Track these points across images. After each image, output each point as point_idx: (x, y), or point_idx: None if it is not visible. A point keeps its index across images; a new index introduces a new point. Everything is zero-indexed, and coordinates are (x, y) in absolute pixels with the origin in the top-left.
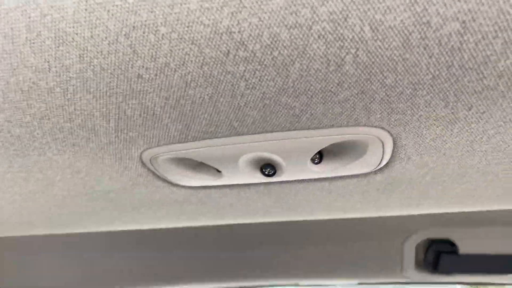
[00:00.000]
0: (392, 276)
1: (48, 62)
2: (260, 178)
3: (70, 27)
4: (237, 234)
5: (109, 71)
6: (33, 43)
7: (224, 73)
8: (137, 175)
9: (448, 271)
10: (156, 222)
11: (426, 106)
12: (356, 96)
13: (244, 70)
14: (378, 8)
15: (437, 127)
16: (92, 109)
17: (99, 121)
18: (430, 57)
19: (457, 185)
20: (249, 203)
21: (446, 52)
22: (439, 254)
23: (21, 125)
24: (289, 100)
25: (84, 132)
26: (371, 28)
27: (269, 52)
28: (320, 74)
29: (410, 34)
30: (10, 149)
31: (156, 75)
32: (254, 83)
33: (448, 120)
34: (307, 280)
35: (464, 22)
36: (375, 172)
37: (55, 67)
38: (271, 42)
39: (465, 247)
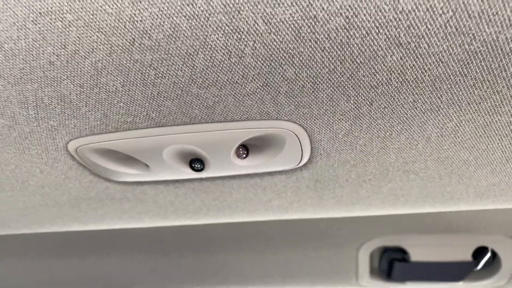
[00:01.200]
0: (348, 284)
1: None
2: (189, 173)
3: None
4: (180, 237)
5: (21, 56)
6: None
7: (132, 61)
8: (67, 168)
9: (401, 279)
10: (99, 222)
11: (329, 100)
12: (262, 89)
13: (152, 59)
14: (268, 1)
15: (346, 122)
16: (8, 96)
17: (18, 108)
18: (323, 51)
19: (384, 184)
20: (188, 201)
21: (337, 46)
22: (392, 262)
23: None
24: (200, 91)
25: (4, 120)
26: (263, 21)
27: (172, 42)
28: (224, 65)
29: (300, 28)
30: None
31: (67, 62)
32: (163, 72)
33: (354, 115)
34: None
35: (347, 17)
36: (300, 168)
37: None
38: (173, 32)
39: (416, 254)
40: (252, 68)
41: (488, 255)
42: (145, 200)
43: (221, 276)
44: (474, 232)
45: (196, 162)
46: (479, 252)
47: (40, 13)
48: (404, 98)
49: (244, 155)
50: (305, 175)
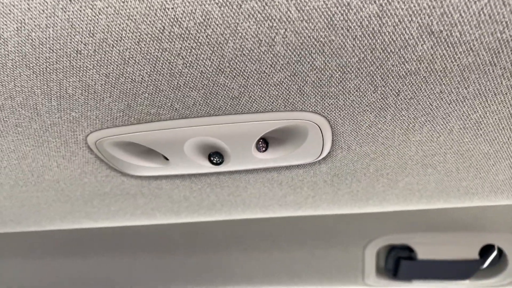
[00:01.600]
0: (354, 284)
1: None
2: (208, 167)
3: None
4: (185, 236)
5: (48, 45)
6: None
7: (161, 50)
8: (84, 162)
9: (407, 277)
10: (111, 219)
11: (356, 91)
12: (290, 79)
13: (180, 48)
14: None
15: (370, 113)
16: (32, 86)
17: (41, 99)
18: (354, 39)
19: (401, 178)
20: (203, 196)
21: (368, 35)
22: (399, 260)
23: None
24: (226, 81)
25: (26, 111)
26: (296, 8)
27: (203, 30)
28: (254, 54)
29: (333, 15)
30: None
31: (94, 51)
32: (191, 61)
33: (380, 107)
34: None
35: (381, 5)
36: (319, 162)
37: None
38: (204, 20)
39: (423, 252)
40: (282, 57)
41: (495, 253)
42: (160, 195)
43: (227, 275)
44: (481, 230)
45: (215, 156)
46: (486, 250)
47: (70, 0)
48: (431, 88)
49: (263, 148)
50: (323, 169)
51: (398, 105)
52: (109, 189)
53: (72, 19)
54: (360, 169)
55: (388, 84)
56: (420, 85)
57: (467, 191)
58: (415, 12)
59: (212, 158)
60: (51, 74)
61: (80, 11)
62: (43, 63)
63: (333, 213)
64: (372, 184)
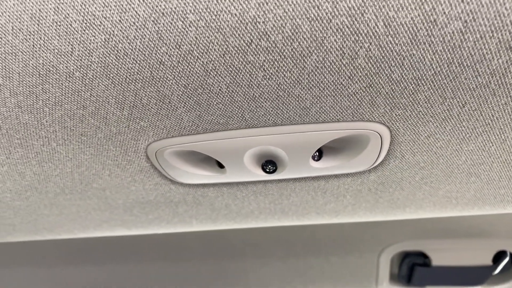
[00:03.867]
0: None
1: (72, 45)
2: (262, 175)
3: (99, 11)
4: (201, 243)
5: (132, 56)
6: (59, 25)
7: (244, 63)
8: (138, 171)
9: (421, 284)
10: (146, 227)
11: (425, 102)
12: (364, 90)
13: (264, 60)
14: (392, 5)
15: (433, 123)
16: (108, 96)
17: (113, 108)
18: (434, 53)
19: (442, 186)
20: (244, 204)
21: (448, 50)
22: (413, 267)
23: (31, 111)
24: (302, 92)
25: (95, 121)
26: (384, 24)
27: (289, 43)
28: (334, 66)
29: (418, 31)
30: (14, 137)
31: (178, 62)
32: (271, 73)
33: (443, 117)
34: None
35: (466, 21)
36: (369, 170)
37: (78, 50)
38: (292, 34)
39: (437, 259)
40: (361, 69)
41: (507, 259)
42: (202, 202)
43: (242, 282)
44: (495, 237)
45: (268, 164)
46: (499, 256)
47: (163, 13)
48: (497, 100)
49: (317, 157)
50: (371, 177)
51: (461, 116)
52: (153, 197)
53: (161, 31)
54: (407, 178)
55: (456, 96)
56: (487, 97)
57: (503, 199)
58: (497, 29)
59: (265, 167)
60: (130, 84)
61: (171, 23)
62: (123, 74)
63: (345, 222)
64: (414, 192)
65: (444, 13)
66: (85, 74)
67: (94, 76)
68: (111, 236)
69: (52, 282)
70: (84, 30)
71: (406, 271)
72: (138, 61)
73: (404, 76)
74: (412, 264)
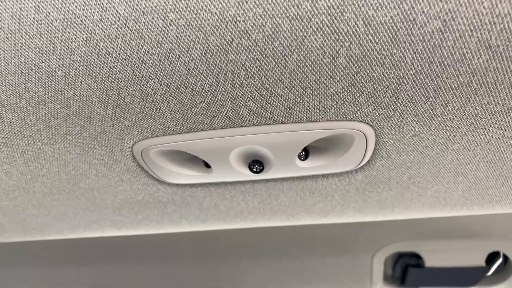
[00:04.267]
0: None
1: (53, 43)
2: (249, 175)
3: (79, 9)
4: (195, 244)
5: (114, 55)
6: (40, 24)
7: (226, 62)
8: (125, 170)
9: (414, 285)
10: (134, 227)
11: (408, 101)
12: (346, 89)
13: (245, 59)
14: (371, 4)
15: (417, 123)
16: (91, 95)
17: (97, 107)
18: (415, 53)
19: (430, 186)
20: (232, 204)
21: (429, 49)
22: (406, 268)
23: (14, 110)
24: (284, 91)
25: (79, 120)
26: (364, 22)
27: (270, 42)
28: (315, 65)
29: (398, 30)
30: None
31: (160, 61)
32: (253, 72)
33: (427, 116)
34: None
35: (445, 20)
36: (356, 170)
37: (60, 49)
38: (273, 32)
39: (431, 260)
40: (343, 68)
41: (500, 260)
42: (191, 203)
43: (236, 283)
44: (488, 237)
45: (255, 164)
46: (492, 257)
47: (143, 12)
48: (479, 99)
49: (303, 157)
50: (359, 177)
51: (445, 115)
52: (141, 197)
53: (142, 30)
54: (394, 178)
55: (439, 95)
56: (469, 97)
57: (491, 199)
58: (476, 28)
59: (252, 167)
60: (112, 83)
61: (152, 22)
62: (106, 73)
63: (339, 223)
64: (402, 192)
65: (423, 12)
66: (67, 73)
67: (77, 75)
68: (102, 236)
69: (44, 283)
70: (65, 29)
71: (399, 272)
72: (120, 60)
73: (386, 75)
74: (405, 265)
